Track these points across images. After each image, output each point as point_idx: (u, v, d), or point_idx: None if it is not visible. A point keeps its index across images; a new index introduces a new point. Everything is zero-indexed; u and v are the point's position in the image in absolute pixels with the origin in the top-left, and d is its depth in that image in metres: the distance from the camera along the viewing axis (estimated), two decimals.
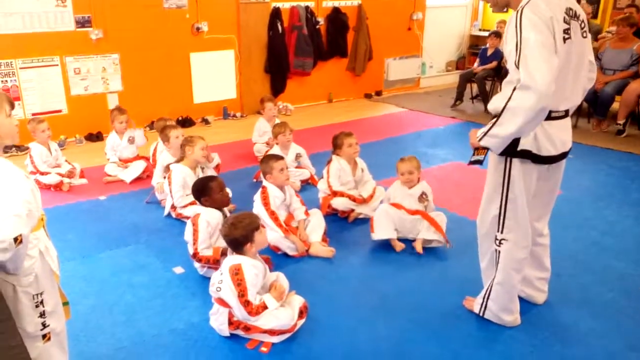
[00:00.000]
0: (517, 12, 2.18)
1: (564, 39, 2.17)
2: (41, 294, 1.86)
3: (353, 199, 3.92)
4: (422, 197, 3.59)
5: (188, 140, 3.98)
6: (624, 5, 8.09)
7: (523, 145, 2.31)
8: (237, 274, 2.53)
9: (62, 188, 4.62)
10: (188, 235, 3.17)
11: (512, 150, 2.33)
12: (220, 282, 2.58)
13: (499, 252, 2.52)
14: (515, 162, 2.36)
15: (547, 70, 2.05)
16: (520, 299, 2.72)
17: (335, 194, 3.96)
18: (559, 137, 2.35)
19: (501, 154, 2.37)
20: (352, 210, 3.95)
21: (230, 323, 2.58)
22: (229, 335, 2.60)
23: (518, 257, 2.51)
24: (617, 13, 7.68)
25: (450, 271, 3.23)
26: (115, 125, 5.00)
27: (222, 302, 2.59)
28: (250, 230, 2.59)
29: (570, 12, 2.24)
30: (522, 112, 2.08)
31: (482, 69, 7.58)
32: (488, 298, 2.66)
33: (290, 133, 4.67)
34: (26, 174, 1.88)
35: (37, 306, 1.86)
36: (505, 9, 2.26)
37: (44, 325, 1.90)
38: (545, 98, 2.05)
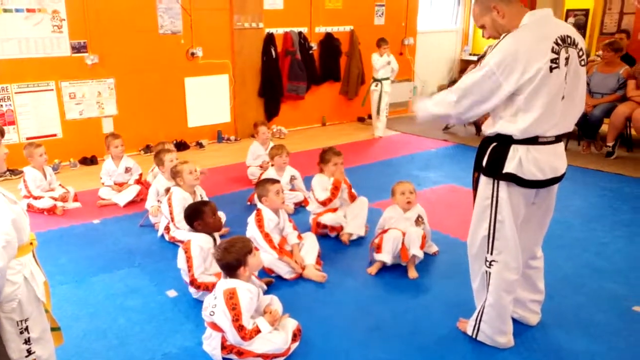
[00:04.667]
0: (504, 35, 2.29)
1: (551, 68, 2.22)
2: (26, 320, 1.84)
3: (337, 183, 3.93)
4: (419, 220, 3.61)
5: (175, 172, 4.00)
6: (612, 30, 8.28)
7: (507, 168, 2.36)
8: (231, 298, 2.52)
9: (56, 212, 4.61)
10: (181, 263, 3.17)
11: (498, 173, 2.38)
12: (214, 306, 2.57)
13: (490, 273, 2.53)
14: (502, 184, 2.40)
15: (469, 96, 2.31)
16: (514, 320, 2.73)
17: (324, 203, 3.98)
18: (548, 162, 2.37)
19: (488, 176, 2.43)
20: (342, 227, 3.98)
21: (224, 347, 2.57)
22: None
23: (509, 279, 2.52)
24: (604, 38, 7.84)
25: (444, 293, 3.24)
26: (112, 151, 5.00)
27: (215, 327, 2.59)
28: (243, 254, 2.60)
29: (568, 39, 2.28)
30: (442, 106, 2.43)
31: None
32: (480, 320, 2.66)
33: (287, 155, 4.71)
34: (15, 198, 1.88)
35: (21, 332, 1.84)
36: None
37: (29, 352, 1.87)
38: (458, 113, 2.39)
